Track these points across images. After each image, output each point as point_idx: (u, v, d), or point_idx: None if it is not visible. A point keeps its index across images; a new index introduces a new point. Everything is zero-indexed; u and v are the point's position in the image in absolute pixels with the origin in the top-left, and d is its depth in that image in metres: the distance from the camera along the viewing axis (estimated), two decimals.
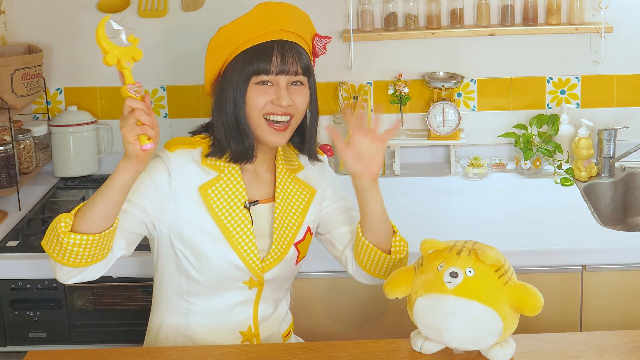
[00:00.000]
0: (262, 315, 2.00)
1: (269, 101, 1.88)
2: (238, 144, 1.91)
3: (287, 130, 1.91)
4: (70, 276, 1.83)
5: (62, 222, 1.75)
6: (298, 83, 1.91)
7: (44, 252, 2.44)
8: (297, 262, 2.02)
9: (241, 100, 1.88)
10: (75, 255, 1.77)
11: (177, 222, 1.92)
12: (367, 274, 2.01)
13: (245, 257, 1.93)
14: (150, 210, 1.89)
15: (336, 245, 2.06)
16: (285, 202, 1.99)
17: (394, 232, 1.98)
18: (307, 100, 1.94)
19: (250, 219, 1.94)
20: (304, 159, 2.06)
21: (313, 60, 1.98)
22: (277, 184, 1.99)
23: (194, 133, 2.01)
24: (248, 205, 1.95)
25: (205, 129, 1.99)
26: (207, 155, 1.93)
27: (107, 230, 1.76)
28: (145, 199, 1.88)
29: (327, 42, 1.99)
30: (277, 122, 1.90)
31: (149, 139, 1.69)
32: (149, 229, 1.92)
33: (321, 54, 2.00)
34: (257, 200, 1.97)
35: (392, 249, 1.96)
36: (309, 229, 2.03)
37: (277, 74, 1.87)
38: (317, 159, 2.04)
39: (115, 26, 1.71)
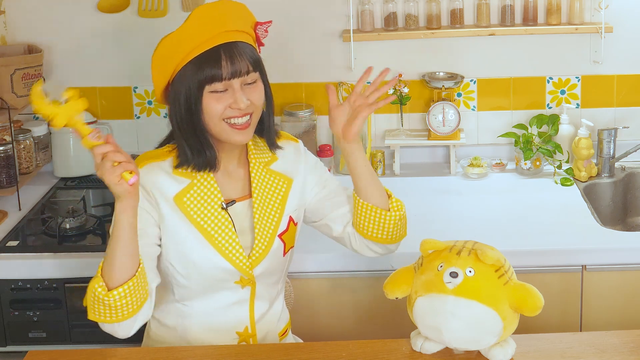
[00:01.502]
0: (258, 314, 2.00)
1: (227, 106, 1.87)
2: (200, 155, 1.91)
3: (250, 127, 1.91)
4: (130, 327, 1.85)
5: (99, 287, 1.77)
6: (251, 80, 1.90)
7: (44, 252, 2.46)
8: (284, 253, 2.01)
9: (197, 110, 1.87)
10: (127, 307, 1.80)
11: (163, 233, 1.93)
12: (371, 241, 2.02)
13: (231, 257, 1.93)
14: (149, 229, 1.90)
15: (335, 227, 2.05)
16: (263, 196, 1.99)
17: (389, 195, 2.01)
18: (263, 94, 1.93)
19: (230, 219, 1.94)
20: (277, 149, 2.05)
21: (259, 49, 1.97)
22: (252, 179, 1.99)
23: (161, 144, 2.01)
24: (225, 207, 1.95)
25: (171, 138, 1.99)
26: (177, 167, 1.93)
27: (139, 269, 1.80)
28: (140, 223, 1.88)
29: (268, 25, 1.99)
30: (237, 123, 1.89)
31: (130, 172, 1.73)
32: (158, 244, 1.94)
33: (264, 38, 1.99)
34: (233, 200, 1.97)
35: (390, 208, 1.99)
36: (291, 219, 2.02)
37: (229, 78, 1.86)
38: (277, 147, 2.03)
39: (47, 89, 1.72)
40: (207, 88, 1.86)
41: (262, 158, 2.02)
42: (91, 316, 1.82)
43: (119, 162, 1.72)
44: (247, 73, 1.88)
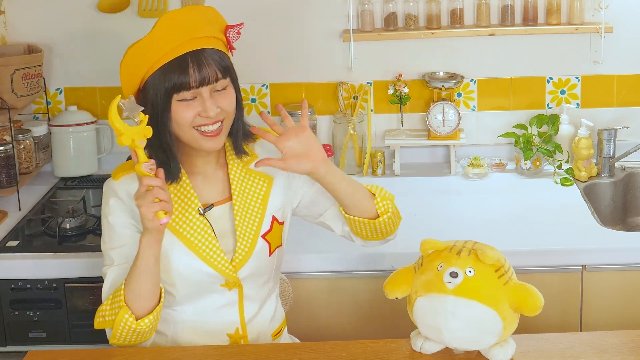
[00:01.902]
0: (248, 315, 1.99)
1: (196, 114, 1.85)
2: (164, 165, 1.89)
3: (221, 134, 1.90)
4: (148, 343, 1.92)
5: (129, 317, 1.83)
6: (220, 87, 1.88)
7: (44, 252, 2.46)
8: (270, 253, 1.99)
9: (165, 120, 1.86)
10: (153, 329, 1.87)
11: None
12: (371, 241, 2.04)
13: (213, 262, 1.92)
14: (135, 240, 1.89)
15: (335, 227, 2.06)
16: (243, 198, 1.97)
17: (373, 195, 1.98)
18: (234, 100, 1.91)
19: (208, 224, 1.93)
20: (257, 148, 2.03)
21: (231, 52, 1.95)
22: (231, 181, 1.97)
23: None
24: (202, 212, 1.94)
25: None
26: None
27: (163, 295, 1.87)
28: (124, 237, 1.90)
29: (240, 27, 1.95)
30: (207, 131, 1.88)
31: (165, 213, 1.75)
32: None
33: (236, 40, 1.95)
34: (211, 205, 1.96)
35: (378, 212, 1.98)
36: (274, 219, 2.00)
37: (198, 86, 1.84)
38: (245, 153, 2.00)
39: (127, 105, 1.76)
40: (175, 97, 1.84)
41: (241, 158, 2.01)
42: (114, 341, 1.87)
43: (160, 200, 1.75)
44: (216, 80, 1.85)
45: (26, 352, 1.91)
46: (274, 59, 3.02)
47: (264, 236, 1.98)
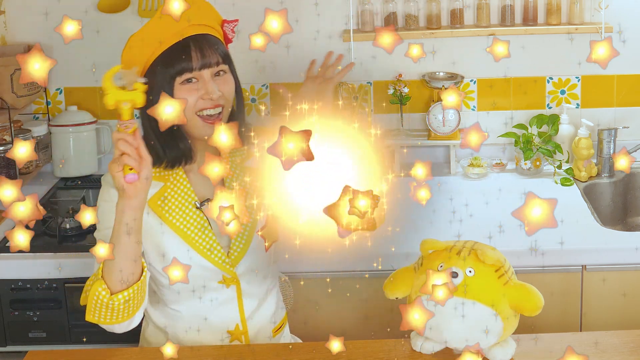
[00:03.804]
0: (248, 311, 2.00)
1: (199, 97, 1.88)
2: (173, 149, 1.91)
3: (221, 122, 1.91)
4: (128, 326, 1.88)
5: (102, 290, 1.78)
6: (221, 72, 1.91)
7: (44, 252, 2.46)
8: (267, 249, 2.00)
9: None
10: (128, 309, 1.81)
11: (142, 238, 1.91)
12: None
13: (210, 256, 1.93)
14: None
15: None
16: None
17: None
18: (233, 88, 1.94)
19: (205, 217, 1.94)
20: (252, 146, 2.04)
21: (227, 47, 1.98)
22: (225, 178, 1.98)
23: None
24: (199, 206, 1.95)
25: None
26: None
27: (144, 274, 1.81)
28: (112, 220, 1.87)
29: (235, 24, 1.99)
30: (210, 115, 1.89)
31: (131, 169, 1.69)
32: None
33: (232, 37, 1.99)
34: (208, 199, 1.96)
35: None
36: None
37: (200, 69, 1.87)
38: (250, 142, 2.00)
39: (122, 73, 1.72)
40: (178, 80, 1.87)
41: (236, 156, 2.02)
42: (90, 318, 1.83)
43: (123, 153, 1.69)
44: (217, 64, 1.89)
45: (26, 352, 1.91)
46: (274, 59, 3.02)
47: (259, 232, 1.98)
